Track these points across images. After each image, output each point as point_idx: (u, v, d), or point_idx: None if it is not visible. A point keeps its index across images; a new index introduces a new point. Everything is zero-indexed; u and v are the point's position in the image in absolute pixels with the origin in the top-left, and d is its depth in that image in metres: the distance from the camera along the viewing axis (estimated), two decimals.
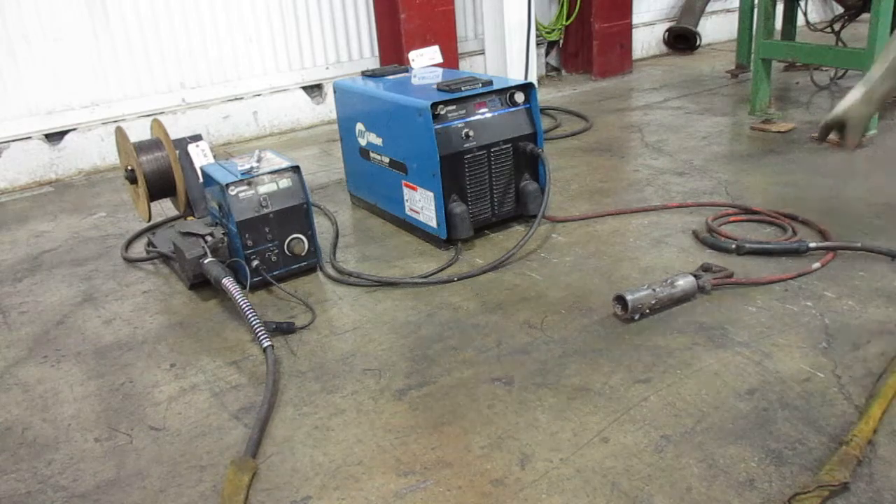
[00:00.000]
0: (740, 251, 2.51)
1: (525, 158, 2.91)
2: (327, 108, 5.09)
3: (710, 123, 4.30)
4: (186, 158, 2.89)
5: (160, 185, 2.95)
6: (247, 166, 2.64)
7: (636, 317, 2.23)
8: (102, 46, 4.29)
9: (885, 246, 2.47)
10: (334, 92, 3.37)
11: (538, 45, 5.66)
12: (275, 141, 4.82)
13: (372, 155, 3.12)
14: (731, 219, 2.90)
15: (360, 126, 3.16)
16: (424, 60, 3.39)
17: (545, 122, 4.46)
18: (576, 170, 3.70)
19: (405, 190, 2.95)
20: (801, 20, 4.87)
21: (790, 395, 1.85)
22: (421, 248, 2.93)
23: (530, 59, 4.70)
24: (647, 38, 6.43)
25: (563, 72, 6.10)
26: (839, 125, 2.49)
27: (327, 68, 5.07)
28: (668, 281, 2.27)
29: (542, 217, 2.78)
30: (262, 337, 2.19)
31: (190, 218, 2.96)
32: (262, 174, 2.61)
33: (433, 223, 2.83)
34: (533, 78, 4.79)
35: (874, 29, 3.53)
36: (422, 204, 2.86)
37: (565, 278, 2.57)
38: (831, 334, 2.10)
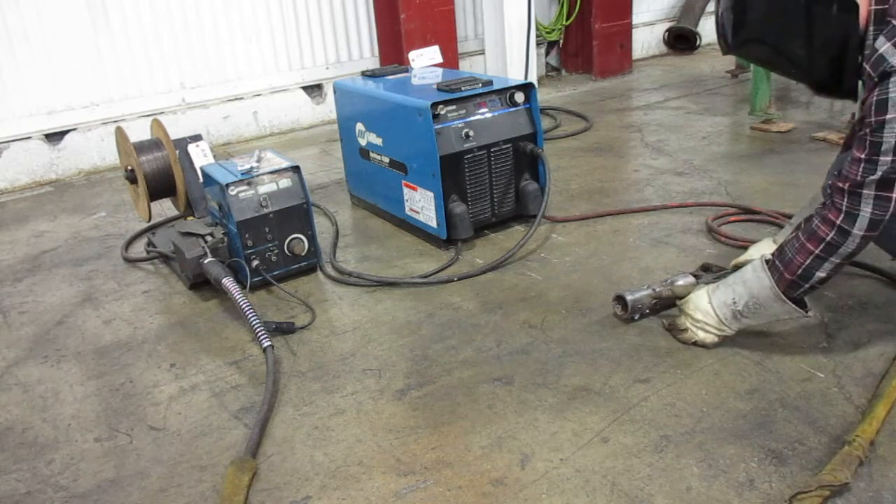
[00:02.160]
0: None
1: (525, 158, 2.91)
2: (327, 108, 5.09)
3: (710, 123, 4.30)
4: (186, 158, 2.89)
5: (160, 185, 2.95)
6: (247, 166, 2.64)
7: (636, 317, 2.23)
8: (102, 46, 4.29)
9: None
10: (334, 92, 3.37)
11: (538, 45, 5.65)
12: (275, 141, 4.82)
13: (372, 155, 3.12)
14: (731, 219, 2.90)
15: (360, 126, 3.16)
16: (424, 60, 3.39)
17: (545, 122, 4.46)
18: (576, 170, 3.70)
19: (405, 190, 2.95)
20: None
21: (790, 395, 1.85)
22: (421, 248, 2.93)
23: (530, 59, 4.70)
24: (647, 38, 6.43)
25: (563, 72, 6.10)
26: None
27: (327, 68, 5.07)
28: (669, 281, 2.26)
29: (542, 217, 2.78)
30: (262, 337, 2.19)
31: (190, 218, 2.96)
32: (262, 174, 2.61)
33: (433, 223, 2.83)
34: (533, 78, 4.78)
35: None
36: (422, 204, 2.86)
37: (565, 278, 2.57)
38: (831, 334, 2.10)
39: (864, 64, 1.72)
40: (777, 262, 1.89)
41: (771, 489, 1.56)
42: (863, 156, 1.72)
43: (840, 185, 1.77)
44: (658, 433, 1.75)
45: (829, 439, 1.68)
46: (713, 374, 1.96)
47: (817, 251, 1.81)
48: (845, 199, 1.76)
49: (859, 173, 1.72)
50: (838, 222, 1.77)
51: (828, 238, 1.79)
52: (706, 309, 2.04)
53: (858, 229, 1.76)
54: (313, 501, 1.64)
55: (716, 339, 2.05)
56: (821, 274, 1.83)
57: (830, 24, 1.79)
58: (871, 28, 1.73)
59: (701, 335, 2.06)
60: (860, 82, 1.83)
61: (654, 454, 1.69)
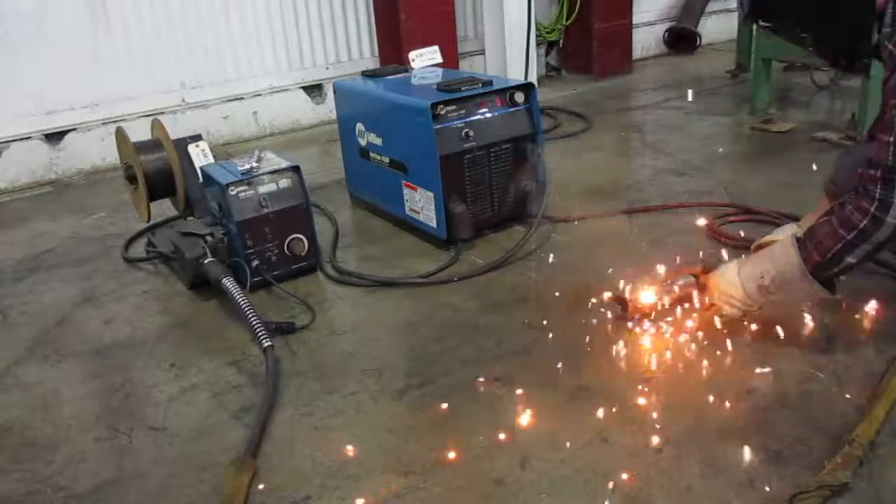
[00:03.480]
0: None
1: (525, 158, 2.91)
2: (327, 108, 5.09)
3: (710, 123, 4.30)
4: (186, 158, 2.89)
5: (160, 185, 2.95)
6: (247, 166, 2.64)
7: (637, 317, 2.23)
8: (102, 46, 4.28)
9: None
10: (334, 92, 3.37)
11: (538, 45, 5.65)
12: (275, 141, 4.82)
13: (372, 155, 3.12)
14: (731, 219, 2.90)
15: (360, 126, 3.16)
16: (424, 60, 3.38)
17: (545, 122, 4.45)
18: (576, 170, 3.70)
19: (405, 190, 2.95)
20: None
21: (790, 395, 1.85)
22: (421, 248, 2.93)
23: (530, 59, 4.70)
24: (647, 38, 6.42)
25: (563, 72, 6.09)
26: None
27: (327, 68, 5.06)
28: (669, 281, 2.26)
29: (541, 217, 2.78)
30: (262, 337, 2.19)
31: (190, 218, 2.96)
32: (262, 174, 2.61)
33: (433, 223, 2.83)
34: (533, 78, 4.78)
35: None
36: (422, 204, 2.86)
37: (565, 278, 2.56)
38: (831, 334, 2.09)
39: (885, 43, 1.70)
40: (807, 242, 1.88)
41: (771, 489, 1.56)
42: (891, 139, 1.69)
43: (871, 172, 1.74)
44: (658, 433, 1.75)
45: (829, 439, 1.68)
46: (713, 374, 1.96)
47: (849, 237, 1.79)
48: (878, 187, 1.73)
49: (889, 157, 1.69)
50: (872, 210, 1.74)
51: (861, 226, 1.76)
52: (734, 281, 2.02)
53: (893, 217, 1.72)
54: (313, 501, 1.64)
55: (739, 313, 2.05)
56: (851, 259, 1.82)
57: (847, 2, 1.78)
58: (890, 8, 1.71)
59: (727, 309, 2.05)
60: (875, 61, 1.82)
61: (654, 454, 1.69)
